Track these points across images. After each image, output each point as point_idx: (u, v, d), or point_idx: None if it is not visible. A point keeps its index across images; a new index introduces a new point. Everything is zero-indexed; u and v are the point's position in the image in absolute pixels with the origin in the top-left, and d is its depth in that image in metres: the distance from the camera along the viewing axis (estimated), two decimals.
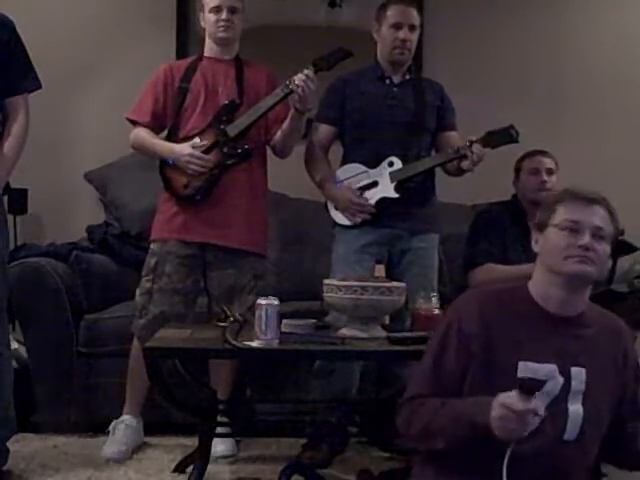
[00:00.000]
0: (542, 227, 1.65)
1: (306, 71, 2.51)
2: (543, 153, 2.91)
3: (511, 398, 1.42)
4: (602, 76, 3.85)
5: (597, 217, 1.59)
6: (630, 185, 3.73)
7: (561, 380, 1.55)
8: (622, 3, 3.92)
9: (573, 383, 1.56)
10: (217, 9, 2.64)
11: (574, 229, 1.58)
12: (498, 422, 1.42)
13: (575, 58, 3.87)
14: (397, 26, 2.68)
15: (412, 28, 2.70)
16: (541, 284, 1.63)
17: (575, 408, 1.56)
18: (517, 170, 2.95)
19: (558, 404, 1.55)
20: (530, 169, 2.89)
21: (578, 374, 1.57)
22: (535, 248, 1.67)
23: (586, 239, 1.56)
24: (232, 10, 2.64)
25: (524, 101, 3.76)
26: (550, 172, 2.88)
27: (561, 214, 1.61)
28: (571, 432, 1.56)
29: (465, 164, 2.58)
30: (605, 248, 1.59)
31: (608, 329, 1.66)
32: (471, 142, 2.54)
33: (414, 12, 2.71)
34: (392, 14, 2.69)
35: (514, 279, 1.96)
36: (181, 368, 2.30)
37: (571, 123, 3.81)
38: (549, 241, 1.61)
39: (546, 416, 1.47)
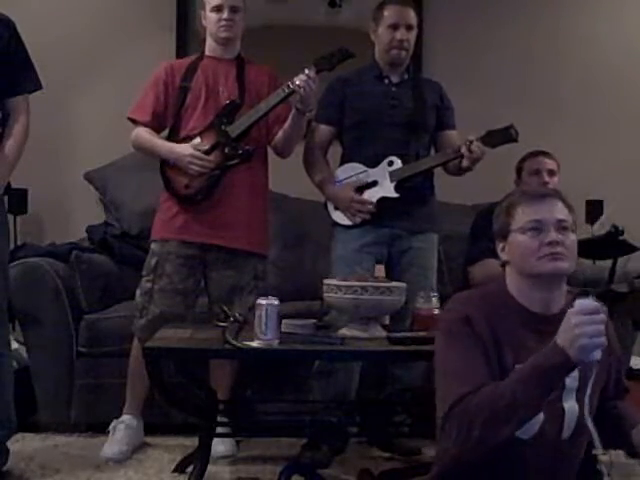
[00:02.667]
0: (504, 234, 1.63)
1: (307, 71, 2.51)
2: (545, 154, 2.92)
3: (577, 306, 1.41)
4: (601, 76, 3.86)
5: (556, 210, 1.59)
6: (630, 185, 3.74)
7: None
8: (622, 3, 3.93)
9: (567, 381, 1.54)
10: (218, 8, 2.63)
11: (538, 228, 1.57)
12: (577, 330, 1.37)
13: (574, 57, 3.88)
14: (394, 26, 2.68)
15: (409, 28, 2.70)
16: (520, 289, 1.61)
17: (570, 406, 1.56)
18: (519, 170, 2.96)
19: (554, 404, 1.53)
20: (532, 170, 2.89)
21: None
22: (503, 256, 1.65)
23: (552, 235, 1.55)
24: (233, 9, 2.64)
25: (523, 101, 3.77)
26: (551, 173, 2.89)
27: (521, 217, 1.60)
28: (567, 430, 1.56)
29: (465, 163, 2.58)
30: (572, 238, 1.59)
31: None
32: (470, 141, 2.54)
33: (411, 12, 2.71)
34: (389, 14, 2.69)
35: None
36: (180, 368, 2.30)
37: (570, 123, 3.82)
38: (517, 246, 1.60)
39: (545, 418, 1.47)
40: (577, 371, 1.54)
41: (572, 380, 1.54)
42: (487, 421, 1.43)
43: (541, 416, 1.49)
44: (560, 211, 1.59)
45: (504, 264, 1.66)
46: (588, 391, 1.48)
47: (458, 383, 1.49)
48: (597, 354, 1.40)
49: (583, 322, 1.39)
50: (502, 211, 1.66)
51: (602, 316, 1.40)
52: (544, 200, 1.60)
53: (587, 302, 1.42)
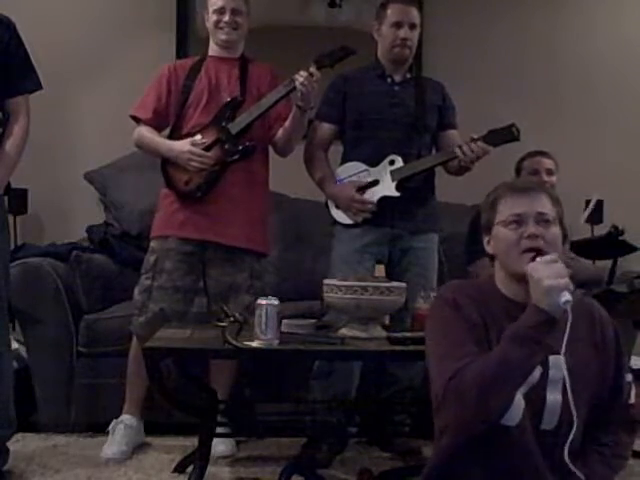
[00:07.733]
0: (489, 228, 1.66)
1: (309, 69, 2.51)
2: (543, 154, 2.93)
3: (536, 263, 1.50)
4: (599, 75, 3.87)
5: (537, 203, 1.61)
6: (629, 185, 3.75)
7: (539, 369, 1.54)
8: (619, 3, 3.93)
9: (551, 372, 1.55)
10: (220, 11, 2.64)
11: (518, 221, 1.59)
12: (536, 276, 1.47)
13: (573, 57, 3.89)
14: (397, 25, 2.68)
15: (412, 27, 2.70)
16: (504, 281, 1.64)
17: (553, 397, 1.56)
18: (518, 170, 2.97)
19: (536, 393, 1.54)
20: (530, 169, 2.91)
21: (556, 362, 1.54)
22: (488, 249, 1.68)
23: (531, 229, 1.57)
24: (235, 12, 2.64)
25: (523, 100, 3.77)
26: (550, 173, 2.90)
27: (503, 210, 1.63)
28: (548, 421, 1.56)
29: (465, 161, 2.58)
30: (554, 231, 1.60)
31: (584, 315, 1.65)
32: (472, 140, 2.54)
33: (414, 11, 2.72)
34: (392, 13, 2.70)
35: None
36: (180, 368, 2.31)
37: (570, 122, 3.83)
38: (499, 240, 1.63)
39: (525, 406, 1.50)
40: (563, 362, 1.54)
41: (557, 371, 1.55)
42: (483, 385, 1.45)
43: (522, 403, 1.51)
44: (542, 204, 1.61)
45: (492, 257, 1.68)
46: (563, 349, 1.49)
47: (451, 361, 1.51)
48: (566, 295, 1.45)
49: (541, 268, 1.47)
50: (487, 205, 1.68)
51: (560, 264, 1.48)
52: (526, 193, 1.62)
53: (545, 257, 1.51)
